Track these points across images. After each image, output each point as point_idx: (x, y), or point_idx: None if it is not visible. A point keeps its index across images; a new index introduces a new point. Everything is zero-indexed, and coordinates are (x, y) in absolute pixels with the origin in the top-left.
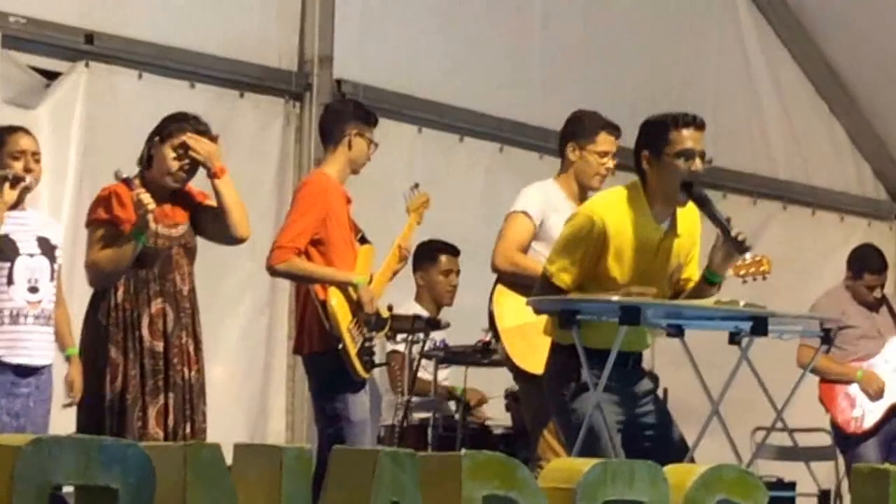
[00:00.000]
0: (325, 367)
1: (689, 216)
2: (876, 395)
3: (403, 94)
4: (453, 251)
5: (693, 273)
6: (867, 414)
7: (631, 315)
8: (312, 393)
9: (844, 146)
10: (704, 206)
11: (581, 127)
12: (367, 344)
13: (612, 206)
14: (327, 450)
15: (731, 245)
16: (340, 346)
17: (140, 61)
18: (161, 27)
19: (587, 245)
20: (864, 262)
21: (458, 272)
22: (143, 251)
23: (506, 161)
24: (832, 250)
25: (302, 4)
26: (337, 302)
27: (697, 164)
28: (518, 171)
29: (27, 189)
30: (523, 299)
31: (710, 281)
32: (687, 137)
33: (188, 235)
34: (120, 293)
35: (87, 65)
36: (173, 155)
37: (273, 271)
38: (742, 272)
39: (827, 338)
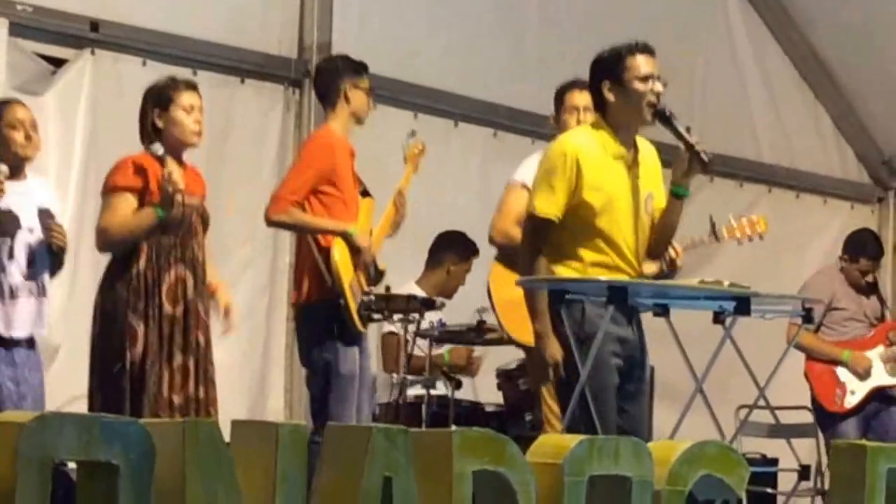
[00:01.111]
0: (320, 315)
1: (647, 147)
2: (864, 374)
3: (400, 81)
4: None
5: (663, 202)
6: (849, 394)
7: (618, 295)
8: (303, 342)
9: (828, 131)
10: (668, 120)
11: (556, 98)
12: (366, 298)
13: (579, 134)
14: (318, 400)
15: (692, 155)
16: (342, 301)
17: (144, 49)
18: (164, 15)
19: (562, 171)
20: (863, 246)
21: None
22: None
23: (499, 146)
24: (815, 232)
25: None
26: (340, 256)
27: (658, 85)
28: (511, 156)
29: (28, 159)
30: (517, 275)
31: (676, 194)
32: (643, 62)
33: (202, 205)
34: (142, 261)
35: (92, 52)
36: (185, 114)
37: (269, 221)
38: (738, 234)
39: (809, 317)
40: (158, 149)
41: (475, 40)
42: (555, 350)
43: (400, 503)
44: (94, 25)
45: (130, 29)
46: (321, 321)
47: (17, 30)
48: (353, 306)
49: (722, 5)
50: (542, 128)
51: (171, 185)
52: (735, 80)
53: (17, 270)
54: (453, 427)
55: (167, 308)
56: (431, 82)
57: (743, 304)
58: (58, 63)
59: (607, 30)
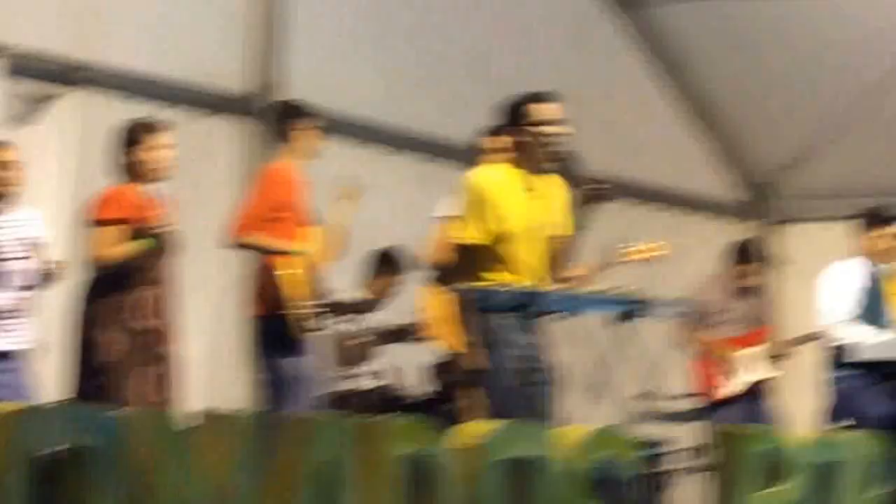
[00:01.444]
0: (272, 328)
1: (554, 182)
2: (737, 371)
3: (342, 114)
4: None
5: (565, 231)
6: (729, 385)
7: (530, 300)
8: (256, 351)
9: (712, 158)
10: (569, 161)
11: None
12: (312, 310)
13: (489, 170)
14: (273, 402)
15: (592, 192)
16: (290, 311)
17: (124, 87)
18: (142, 58)
19: (473, 200)
20: (744, 254)
21: None
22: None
23: (431, 173)
24: (701, 244)
25: (265, 38)
26: (291, 273)
27: (561, 129)
28: (442, 182)
29: (7, 196)
30: (444, 294)
31: (576, 227)
32: (546, 109)
33: (171, 234)
34: (121, 280)
35: (78, 90)
36: (156, 151)
37: (232, 243)
38: (637, 257)
39: (696, 317)
40: (151, 185)
41: (413, 80)
42: (479, 359)
43: (342, 483)
44: (80, 66)
45: (113, 69)
46: (272, 332)
47: (9, 68)
48: (300, 316)
49: (625, 49)
50: (470, 158)
51: (164, 223)
52: (634, 113)
53: (6, 297)
54: (389, 415)
55: (142, 322)
56: (371, 115)
57: (640, 308)
58: (48, 99)
59: (527, 73)
